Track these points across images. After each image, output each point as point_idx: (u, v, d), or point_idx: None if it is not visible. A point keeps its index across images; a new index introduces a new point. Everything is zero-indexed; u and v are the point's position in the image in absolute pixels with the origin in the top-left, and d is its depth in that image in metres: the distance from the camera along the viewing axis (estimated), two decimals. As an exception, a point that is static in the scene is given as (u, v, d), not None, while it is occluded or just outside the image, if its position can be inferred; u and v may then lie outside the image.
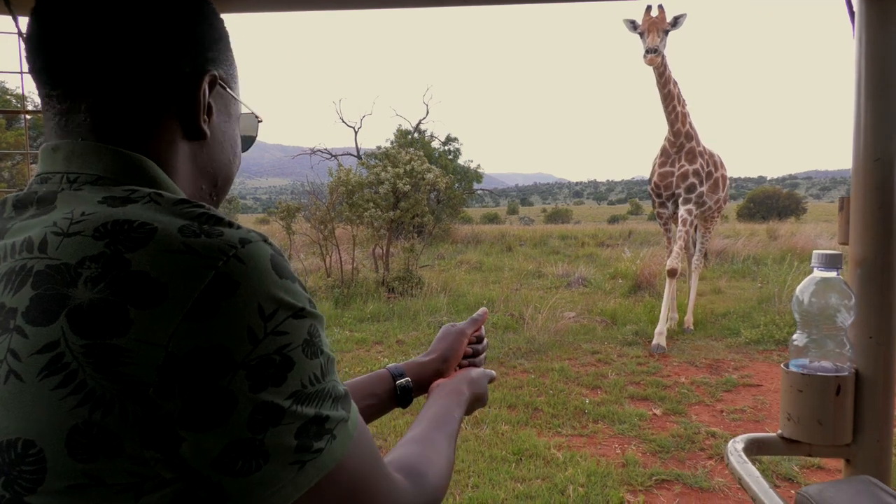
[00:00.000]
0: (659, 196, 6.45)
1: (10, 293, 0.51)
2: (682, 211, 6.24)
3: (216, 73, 0.67)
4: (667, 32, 5.91)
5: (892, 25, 0.96)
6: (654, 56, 5.86)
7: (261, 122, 0.82)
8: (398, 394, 0.99)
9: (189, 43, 0.65)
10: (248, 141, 0.81)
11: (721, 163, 6.70)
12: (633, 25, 6.01)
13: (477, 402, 0.98)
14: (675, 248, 6.20)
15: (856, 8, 0.98)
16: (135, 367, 0.48)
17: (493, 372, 1.07)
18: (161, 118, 0.64)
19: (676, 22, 5.91)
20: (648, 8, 5.81)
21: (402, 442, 0.78)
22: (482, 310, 1.11)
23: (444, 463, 0.77)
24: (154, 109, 0.64)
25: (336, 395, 0.56)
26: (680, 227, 6.24)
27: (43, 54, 0.62)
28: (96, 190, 0.58)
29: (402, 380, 1.00)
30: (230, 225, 0.55)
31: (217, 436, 0.49)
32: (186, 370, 0.48)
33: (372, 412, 0.98)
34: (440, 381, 0.98)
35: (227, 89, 0.70)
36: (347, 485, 0.57)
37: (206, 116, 0.67)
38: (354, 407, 0.59)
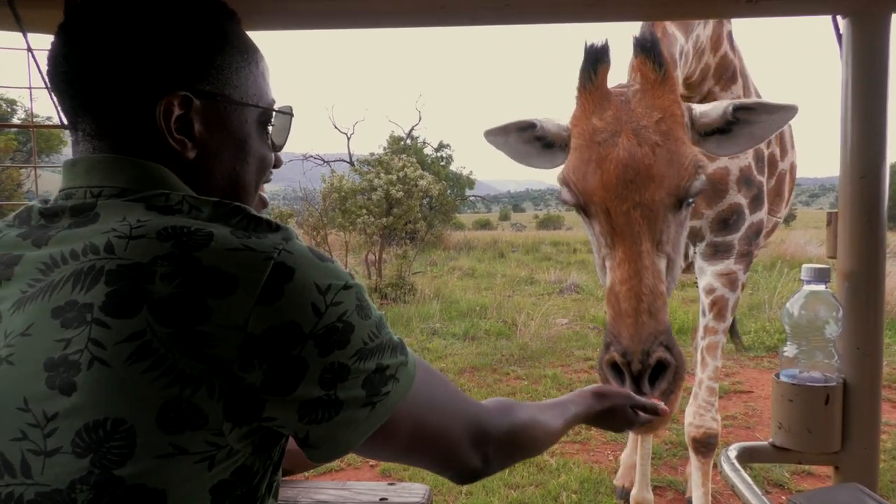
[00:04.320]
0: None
1: (81, 291, 0.55)
2: (712, 278, 2.33)
3: (187, 93, 0.66)
4: None
5: (877, 48, 0.99)
6: None
7: (292, 116, 0.81)
8: None
9: (150, 68, 0.65)
10: (281, 138, 0.81)
11: (790, 135, 2.54)
12: None
13: (606, 417, 0.97)
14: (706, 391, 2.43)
15: (843, 31, 1.02)
16: (219, 348, 0.54)
17: (652, 401, 1.02)
18: (149, 138, 0.66)
19: None
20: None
21: None
22: None
23: (541, 418, 0.84)
24: (140, 130, 0.66)
25: (393, 346, 0.64)
26: (714, 318, 2.35)
27: (62, 73, 0.65)
28: (131, 202, 0.62)
29: None
30: (269, 224, 0.62)
31: (295, 397, 0.58)
32: (264, 346, 0.55)
33: None
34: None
35: (218, 100, 0.69)
36: (420, 410, 0.66)
37: (178, 135, 0.67)
38: (411, 351, 0.68)
